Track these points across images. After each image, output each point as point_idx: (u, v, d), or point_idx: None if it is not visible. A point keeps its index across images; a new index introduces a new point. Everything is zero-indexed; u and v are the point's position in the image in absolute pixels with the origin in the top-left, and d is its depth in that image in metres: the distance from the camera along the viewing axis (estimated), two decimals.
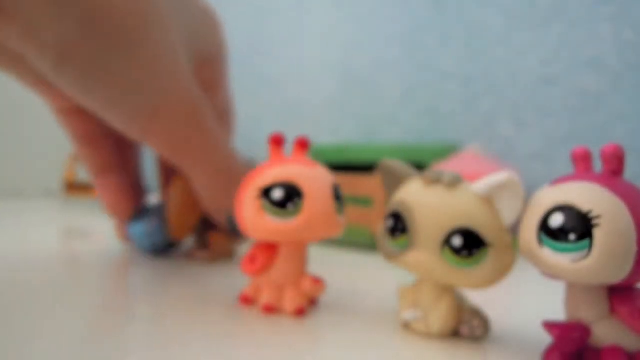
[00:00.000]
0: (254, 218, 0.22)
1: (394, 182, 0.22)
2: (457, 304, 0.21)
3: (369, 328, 0.21)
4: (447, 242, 0.19)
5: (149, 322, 0.21)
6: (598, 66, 0.53)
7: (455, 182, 0.19)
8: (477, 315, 0.20)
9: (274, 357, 0.18)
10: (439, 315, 0.20)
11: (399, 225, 0.20)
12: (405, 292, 0.22)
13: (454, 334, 0.21)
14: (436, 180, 0.20)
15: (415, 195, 0.20)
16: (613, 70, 0.52)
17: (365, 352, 0.19)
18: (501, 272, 0.19)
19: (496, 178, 0.19)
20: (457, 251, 0.19)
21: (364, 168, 0.62)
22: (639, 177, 0.49)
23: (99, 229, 0.49)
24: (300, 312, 0.23)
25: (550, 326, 0.18)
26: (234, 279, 0.29)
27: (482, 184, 0.19)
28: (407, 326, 0.21)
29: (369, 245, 0.45)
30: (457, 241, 0.19)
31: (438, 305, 0.20)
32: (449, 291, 0.21)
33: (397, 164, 0.22)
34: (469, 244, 0.19)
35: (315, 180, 0.22)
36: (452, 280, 0.19)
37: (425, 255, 0.19)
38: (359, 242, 0.46)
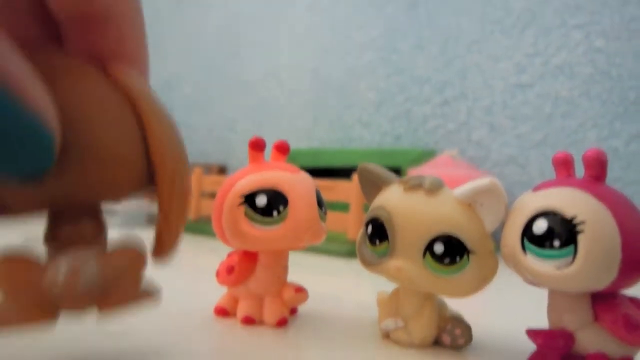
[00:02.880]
0: (236, 226, 0.20)
1: (373, 186, 0.21)
2: (439, 312, 0.20)
3: (350, 338, 0.21)
4: (428, 249, 0.18)
5: (122, 338, 0.20)
6: (570, 72, 0.54)
7: (436, 187, 0.19)
8: (459, 323, 0.20)
9: None
10: (421, 324, 0.20)
11: (378, 232, 0.19)
12: (384, 301, 0.21)
13: (436, 342, 0.20)
14: (417, 186, 0.19)
15: (395, 201, 0.19)
16: (585, 77, 0.53)
17: None
18: (484, 279, 0.19)
19: (478, 183, 0.18)
20: (439, 258, 0.18)
21: (340, 173, 0.62)
22: (614, 183, 0.50)
23: None
24: (283, 324, 0.22)
25: (533, 334, 0.18)
26: (205, 290, 0.28)
27: (464, 189, 0.18)
28: (387, 336, 0.21)
29: (345, 251, 0.44)
30: (439, 248, 0.18)
31: (419, 314, 0.20)
32: (430, 299, 0.20)
33: (376, 168, 0.21)
34: (451, 250, 0.18)
35: (299, 186, 0.21)
36: (434, 288, 0.19)
37: (405, 263, 0.19)
38: (334, 248, 0.45)
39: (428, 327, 0.20)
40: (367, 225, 0.20)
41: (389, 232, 0.19)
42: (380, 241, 0.19)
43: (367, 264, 0.20)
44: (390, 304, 0.21)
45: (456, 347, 0.20)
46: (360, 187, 0.22)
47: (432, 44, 0.64)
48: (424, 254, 0.18)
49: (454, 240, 0.18)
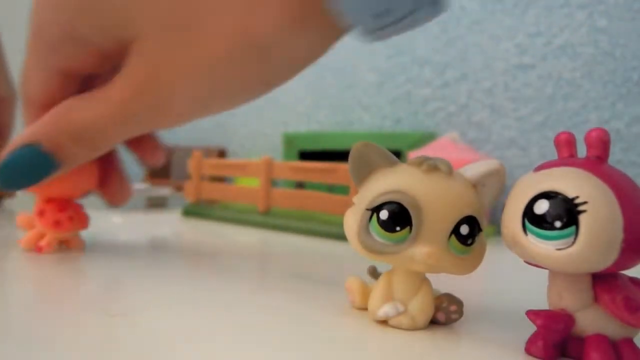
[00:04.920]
0: None
1: (367, 168, 0.20)
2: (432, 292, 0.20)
3: (345, 322, 0.21)
4: (454, 231, 0.18)
5: (121, 319, 0.20)
6: (573, 53, 0.53)
7: (451, 169, 0.19)
8: (453, 299, 0.20)
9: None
10: (422, 306, 0.19)
11: (398, 218, 0.18)
12: (361, 286, 0.22)
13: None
14: (434, 167, 0.19)
15: (417, 183, 0.18)
16: (587, 58, 0.52)
17: (342, 345, 0.18)
18: (483, 254, 0.19)
19: (487, 165, 0.19)
20: (463, 239, 0.18)
21: (340, 156, 0.62)
22: (615, 165, 0.50)
23: None
24: (38, 250, 0.29)
25: (534, 315, 0.18)
26: (203, 272, 0.28)
27: (475, 171, 0.19)
28: (386, 322, 0.20)
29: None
30: (465, 229, 0.18)
31: (418, 296, 0.20)
32: (426, 280, 0.20)
33: (380, 148, 0.20)
34: (473, 231, 0.19)
35: None
36: (454, 269, 0.19)
37: (432, 248, 0.18)
38: (335, 231, 0.45)
39: (430, 309, 0.20)
40: (376, 211, 0.19)
41: (413, 217, 0.18)
42: (402, 227, 0.18)
43: (376, 252, 0.19)
44: (384, 289, 0.20)
45: (449, 323, 0.20)
46: (351, 168, 0.20)
47: (433, 24, 0.63)
48: (450, 236, 0.18)
49: (474, 220, 0.19)
